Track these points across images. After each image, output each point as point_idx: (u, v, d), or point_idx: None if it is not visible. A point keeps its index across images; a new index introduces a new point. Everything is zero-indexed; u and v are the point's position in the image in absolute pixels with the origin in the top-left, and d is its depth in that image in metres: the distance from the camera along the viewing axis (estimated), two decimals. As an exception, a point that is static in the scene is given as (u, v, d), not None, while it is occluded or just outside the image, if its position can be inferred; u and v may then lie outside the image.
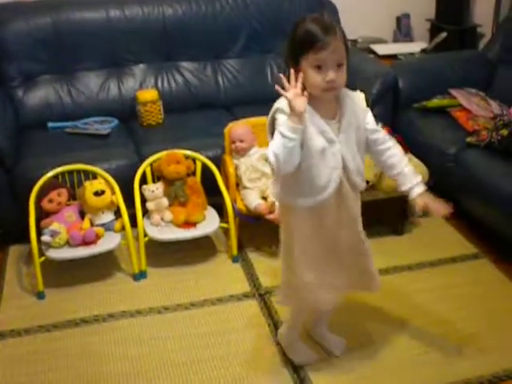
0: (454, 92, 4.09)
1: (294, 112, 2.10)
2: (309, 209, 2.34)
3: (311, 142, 2.21)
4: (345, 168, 2.30)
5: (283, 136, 2.11)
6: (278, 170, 2.22)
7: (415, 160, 3.64)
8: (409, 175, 2.43)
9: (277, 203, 3.03)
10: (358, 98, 2.42)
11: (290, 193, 2.35)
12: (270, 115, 2.27)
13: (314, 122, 2.22)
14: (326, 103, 2.26)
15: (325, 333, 2.87)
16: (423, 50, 4.94)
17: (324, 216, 2.37)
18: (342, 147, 2.27)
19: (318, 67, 2.14)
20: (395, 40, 5.27)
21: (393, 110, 4.14)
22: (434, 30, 5.18)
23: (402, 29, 5.22)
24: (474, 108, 3.94)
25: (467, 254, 3.55)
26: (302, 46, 2.15)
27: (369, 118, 2.38)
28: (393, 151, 2.45)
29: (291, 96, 2.09)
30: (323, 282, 2.47)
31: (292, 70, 2.11)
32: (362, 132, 2.35)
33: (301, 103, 2.09)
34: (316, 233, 2.40)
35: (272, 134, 2.24)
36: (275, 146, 2.14)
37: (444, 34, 4.88)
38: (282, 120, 2.15)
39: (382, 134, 2.43)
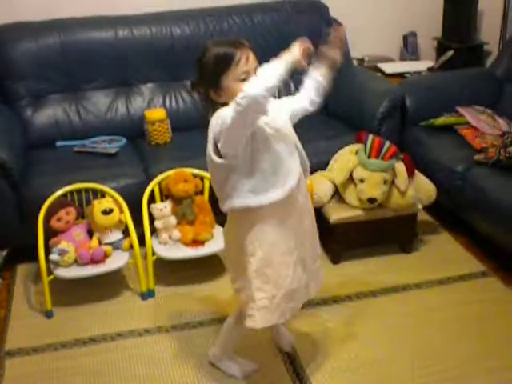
0: (461, 110, 4.09)
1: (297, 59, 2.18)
2: (274, 208, 2.30)
3: (263, 130, 2.25)
4: (299, 152, 2.37)
5: (279, 74, 2.14)
6: (248, 110, 2.11)
7: (423, 178, 3.65)
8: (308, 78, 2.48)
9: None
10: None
11: (259, 190, 2.28)
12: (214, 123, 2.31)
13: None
14: None
15: (278, 327, 2.90)
16: (430, 69, 4.94)
17: (290, 209, 2.36)
18: (289, 135, 2.34)
19: (243, 80, 2.21)
20: (402, 58, 5.28)
21: (400, 128, 4.14)
22: (440, 48, 5.19)
23: (409, 47, 5.23)
24: (482, 126, 3.94)
25: (476, 272, 3.53)
26: (221, 66, 2.22)
27: (286, 105, 2.44)
28: (302, 97, 2.49)
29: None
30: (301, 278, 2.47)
31: None
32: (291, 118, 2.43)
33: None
34: (285, 232, 2.37)
35: (216, 149, 2.30)
36: (264, 82, 2.11)
37: (451, 52, 4.89)
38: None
39: (292, 101, 2.48)
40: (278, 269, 2.39)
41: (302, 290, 2.49)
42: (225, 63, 2.21)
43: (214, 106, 2.30)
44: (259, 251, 2.37)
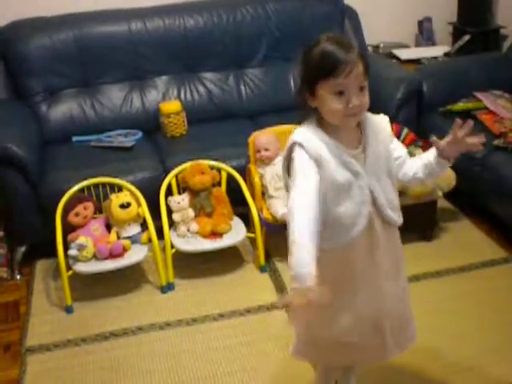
0: (479, 95, 4.05)
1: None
2: (336, 252, 2.06)
3: (334, 176, 1.97)
4: (374, 202, 2.04)
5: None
6: None
7: (442, 164, 3.61)
8: (428, 158, 2.12)
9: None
10: (382, 122, 2.13)
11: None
12: (286, 149, 2.04)
13: (336, 154, 1.97)
14: (347, 131, 2.01)
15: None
16: (446, 54, 4.90)
17: (354, 260, 2.08)
18: (369, 179, 2.02)
19: (340, 93, 1.89)
20: (418, 44, 5.23)
21: (418, 114, 4.10)
22: (456, 33, 5.12)
23: (424, 33, 5.17)
24: (500, 110, 3.90)
25: (497, 258, 3.50)
26: (320, 71, 1.90)
27: (394, 145, 2.13)
28: (414, 165, 2.15)
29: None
30: (350, 338, 2.18)
31: None
32: (390, 160, 2.10)
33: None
34: (345, 280, 2.10)
35: (288, 169, 2.07)
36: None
37: (467, 37, 4.84)
38: (298, 181, 1.96)
39: (405, 158, 2.16)
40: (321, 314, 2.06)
41: (363, 347, 2.20)
42: (326, 69, 1.88)
43: (306, 108, 2.01)
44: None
